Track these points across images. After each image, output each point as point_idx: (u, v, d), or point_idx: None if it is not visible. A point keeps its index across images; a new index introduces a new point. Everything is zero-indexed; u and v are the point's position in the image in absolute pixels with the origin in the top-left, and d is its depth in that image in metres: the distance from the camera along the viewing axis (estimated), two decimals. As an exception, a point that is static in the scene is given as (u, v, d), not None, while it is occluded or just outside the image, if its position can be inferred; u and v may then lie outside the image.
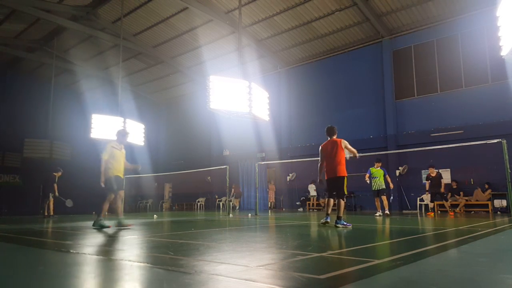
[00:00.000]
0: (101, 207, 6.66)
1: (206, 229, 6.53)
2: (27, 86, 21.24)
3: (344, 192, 6.46)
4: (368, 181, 11.16)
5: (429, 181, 11.52)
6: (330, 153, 6.53)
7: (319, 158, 6.81)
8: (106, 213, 6.87)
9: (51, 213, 11.92)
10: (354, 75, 16.86)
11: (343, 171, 6.47)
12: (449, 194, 12.96)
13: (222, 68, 19.26)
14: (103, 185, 6.62)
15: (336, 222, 6.17)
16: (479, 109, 13.43)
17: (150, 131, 18.19)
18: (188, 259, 3.06)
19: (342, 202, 6.44)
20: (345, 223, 6.16)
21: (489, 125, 13.03)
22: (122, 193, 6.82)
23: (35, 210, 12.37)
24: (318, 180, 7.00)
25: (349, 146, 6.65)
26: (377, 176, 10.88)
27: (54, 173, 12.70)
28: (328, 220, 6.45)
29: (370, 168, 11.12)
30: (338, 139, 6.63)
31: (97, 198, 7.29)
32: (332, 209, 6.57)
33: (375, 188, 10.95)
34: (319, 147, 6.83)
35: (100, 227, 6.41)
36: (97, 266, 2.88)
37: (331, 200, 6.58)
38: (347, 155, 6.79)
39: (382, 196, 10.87)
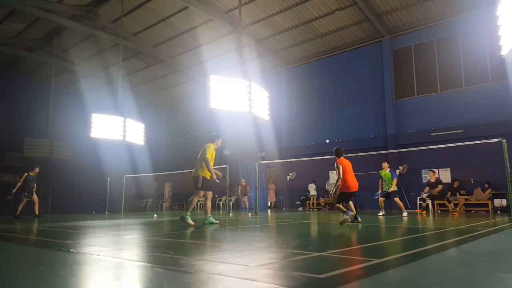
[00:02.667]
0: (189, 203, 7.03)
1: (206, 228, 6.52)
2: (27, 85, 21.24)
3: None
4: (380, 184, 10.63)
5: (428, 186, 11.51)
6: (351, 169, 7.11)
7: (339, 173, 7.01)
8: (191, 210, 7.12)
9: (17, 213, 11.30)
10: (354, 74, 16.84)
11: None
12: (449, 193, 12.94)
13: (222, 68, 19.23)
14: (218, 181, 7.00)
15: (356, 218, 6.90)
16: (479, 108, 13.42)
17: (150, 130, 18.16)
18: (188, 258, 3.06)
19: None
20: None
21: (489, 124, 13.02)
22: (210, 194, 7.08)
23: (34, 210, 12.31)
24: (331, 193, 7.34)
25: (340, 170, 7.02)
26: (386, 180, 10.42)
27: (30, 172, 11.44)
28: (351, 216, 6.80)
29: (379, 171, 10.64)
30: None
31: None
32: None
33: (385, 189, 10.52)
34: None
35: (183, 221, 6.79)
36: (97, 266, 2.88)
37: (351, 203, 7.17)
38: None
39: (394, 199, 10.52)
